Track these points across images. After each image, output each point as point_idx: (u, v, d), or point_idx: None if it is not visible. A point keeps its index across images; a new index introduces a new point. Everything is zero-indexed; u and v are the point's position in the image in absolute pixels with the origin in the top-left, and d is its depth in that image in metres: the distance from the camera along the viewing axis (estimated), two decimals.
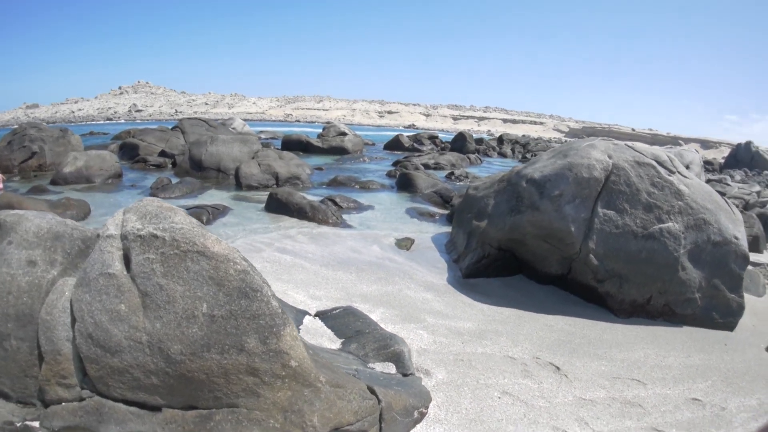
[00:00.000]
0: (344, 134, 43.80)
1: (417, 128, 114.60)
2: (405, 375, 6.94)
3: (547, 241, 11.48)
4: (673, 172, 11.51)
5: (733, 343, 9.81)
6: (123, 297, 5.29)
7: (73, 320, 5.41)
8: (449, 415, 6.36)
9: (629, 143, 12.37)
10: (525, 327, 9.60)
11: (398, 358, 7.15)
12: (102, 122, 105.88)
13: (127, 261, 5.51)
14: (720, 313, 10.53)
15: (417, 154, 43.45)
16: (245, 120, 57.93)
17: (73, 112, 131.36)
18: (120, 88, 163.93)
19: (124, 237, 5.60)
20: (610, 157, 11.50)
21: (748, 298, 11.04)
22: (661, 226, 10.72)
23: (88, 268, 5.55)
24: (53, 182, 25.58)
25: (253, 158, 26.85)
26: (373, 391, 5.81)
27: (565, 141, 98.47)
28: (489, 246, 12.47)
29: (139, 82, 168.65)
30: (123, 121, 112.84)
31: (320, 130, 47.21)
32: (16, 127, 36.57)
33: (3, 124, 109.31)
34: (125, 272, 5.44)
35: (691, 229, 10.77)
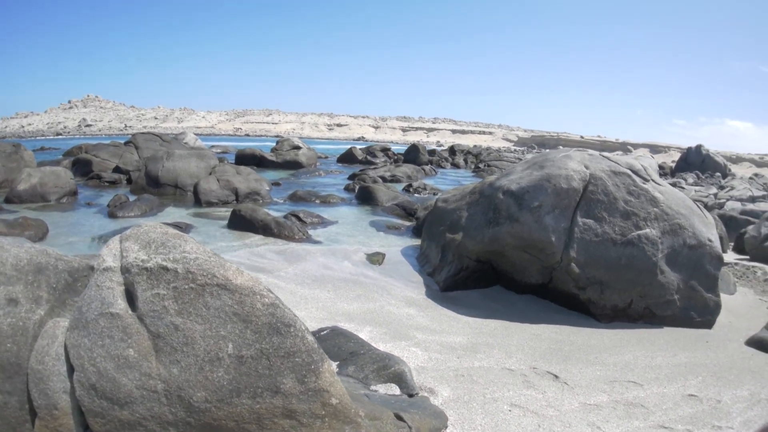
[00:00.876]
0: (298, 148, 43.68)
1: (367, 140, 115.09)
2: (410, 395, 6.79)
3: (527, 251, 11.54)
4: (648, 180, 11.77)
5: (713, 340, 10.12)
6: (130, 340, 4.64)
7: (71, 369, 4.72)
8: None
9: (604, 154, 12.65)
10: (514, 338, 9.63)
11: (400, 378, 6.95)
12: (52, 137, 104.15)
13: (130, 298, 4.87)
14: (698, 313, 10.89)
15: (372, 166, 43.43)
16: (196, 135, 57.34)
17: (23, 126, 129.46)
18: (69, 102, 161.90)
19: (125, 270, 4.91)
20: (587, 167, 11.66)
21: (722, 297, 11.42)
22: (639, 232, 10.96)
23: (84, 308, 4.82)
24: (7, 200, 24.78)
25: (210, 174, 26.45)
26: (400, 418, 5.52)
27: (515, 150, 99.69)
28: (467, 258, 12.48)
29: (88, 96, 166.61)
30: (72, 136, 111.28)
31: (271, 144, 47.09)
32: None
33: None
34: (130, 311, 4.78)
35: (668, 234, 11.05)
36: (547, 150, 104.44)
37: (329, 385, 4.85)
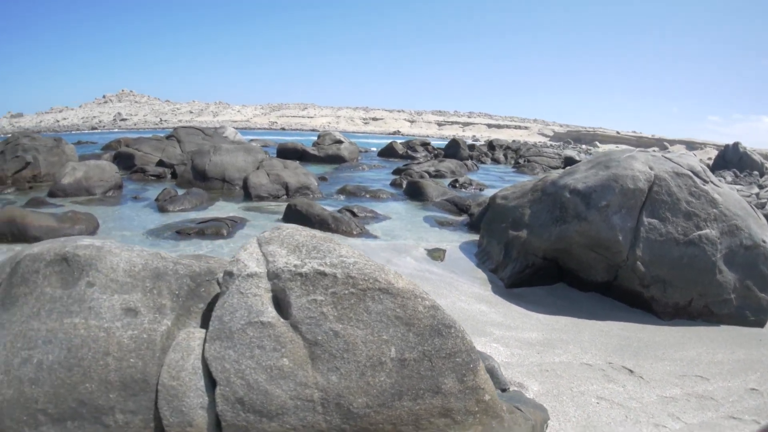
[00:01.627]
0: (340, 142, 43.77)
1: (403, 135, 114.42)
2: (503, 390, 6.90)
3: (594, 250, 11.87)
4: (707, 182, 12.06)
5: (766, 338, 10.55)
6: (284, 349, 4.59)
7: (210, 383, 4.58)
8: (563, 425, 6.65)
9: (666, 155, 12.92)
10: (584, 334, 9.98)
11: (493, 374, 6.84)
12: (87, 131, 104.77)
13: (277, 304, 4.83)
14: (752, 312, 11.22)
15: (414, 161, 43.62)
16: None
17: (58, 121, 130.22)
18: (104, 96, 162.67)
19: (273, 275, 4.88)
20: (651, 168, 11.97)
21: None
22: (700, 233, 11.27)
23: (226, 317, 4.71)
24: (51, 194, 24.97)
25: (258, 168, 26.70)
26: (520, 410, 5.58)
27: (551, 145, 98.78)
28: (533, 255, 12.81)
29: (123, 90, 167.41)
30: (109, 130, 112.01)
31: (308, 138, 46.95)
32: (8, 136, 36.20)
33: None
34: (281, 319, 4.73)
35: (726, 234, 11.38)
36: (584, 145, 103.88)
37: (484, 383, 5.05)
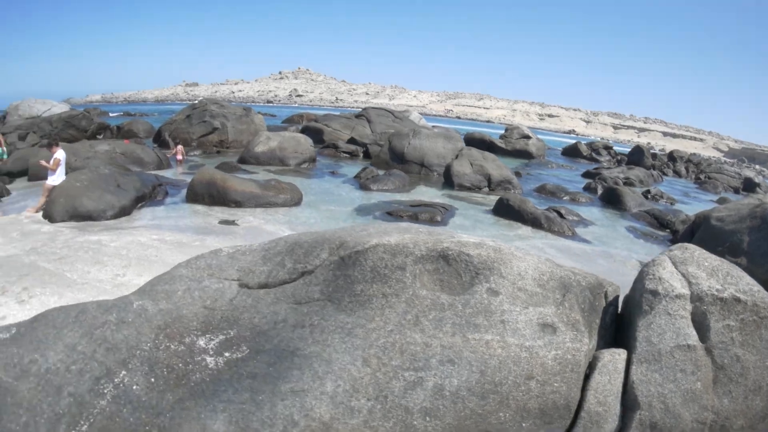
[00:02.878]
0: (528, 137, 42.87)
1: (577, 134, 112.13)
2: None
3: None
4: None
5: None
6: (699, 373, 4.56)
7: (625, 407, 4.48)
8: None
9: None
10: None
11: None
12: (262, 104, 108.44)
13: (696, 327, 4.75)
14: None
15: (601, 165, 42.51)
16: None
17: (233, 92, 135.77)
18: (280, 73, 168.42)
19: (697, 298, 4.78)
20: None
21: None
22: None
23: (654, 338, 4.62)
24: (242, 161, 25.83)
25: (457, 156, 26.25)
26: None
27: (725, 161, 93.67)
28: None
29: (299, 68, 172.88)
30: (284, 104, 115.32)
31: (482, 129, 46.58)
32: (197, 101, 37.44)
33: (163, 98, 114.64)
34: (700, 343, 4.67)
35: None
36: (757, 165, 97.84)
37: None
